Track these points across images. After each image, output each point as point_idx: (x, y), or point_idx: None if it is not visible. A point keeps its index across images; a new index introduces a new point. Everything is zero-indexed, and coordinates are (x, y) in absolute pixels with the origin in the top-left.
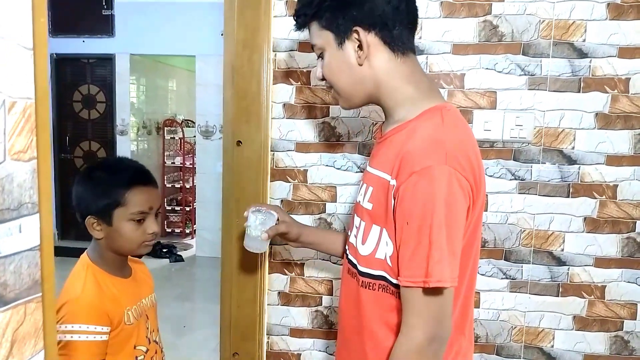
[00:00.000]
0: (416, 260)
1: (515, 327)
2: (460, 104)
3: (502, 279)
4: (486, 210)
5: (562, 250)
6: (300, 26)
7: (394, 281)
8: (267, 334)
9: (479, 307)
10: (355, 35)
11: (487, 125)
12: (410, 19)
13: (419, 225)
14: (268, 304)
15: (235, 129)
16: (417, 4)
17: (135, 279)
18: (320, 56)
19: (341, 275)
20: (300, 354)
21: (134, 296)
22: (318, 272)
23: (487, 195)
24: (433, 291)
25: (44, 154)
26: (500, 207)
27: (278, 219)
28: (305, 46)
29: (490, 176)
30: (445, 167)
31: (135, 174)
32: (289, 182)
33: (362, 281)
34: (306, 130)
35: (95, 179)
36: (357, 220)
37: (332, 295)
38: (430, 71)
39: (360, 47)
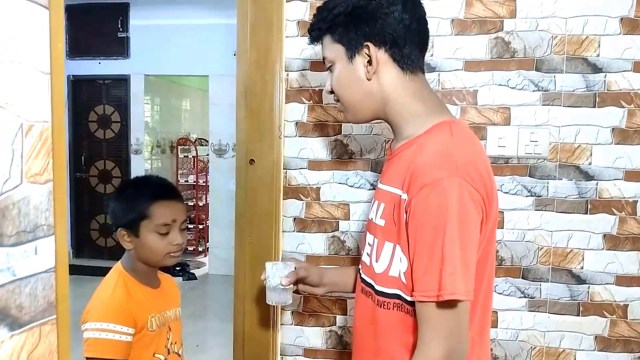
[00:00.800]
0: (429, 274)
1: (535, 348)
2: (474, 120)
3: (520, 297)
4: (502, 228)
5: (582, 268)
6: (314, 39)
7: (409, 299)
8: (280, 354)
9: (496, 327)
10: (365, 50)
11: (501, 141)
12: (420, 39)
13: (431, 238)
14: (281, 324)
15: (248, 148)
16: (429, 24)
17: (162, 291)
18: (330, 69)
19: (355, 295)
20: None
21: (159, 306)
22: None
23: (502, 212)
24: (447, 305)
25: (60, 176)
26: (517, 224)
27: (295, 267)
28: (317, 65)
29: (506, 193)
30: (456, 178)
31: (159, 189)
32: (302, 200)
33: (378, 300)
34: (318, 148)
35: (125, 194)
36: (370, 237)
37: (346, 315)
38: (442, 88)
39: (369, 62)
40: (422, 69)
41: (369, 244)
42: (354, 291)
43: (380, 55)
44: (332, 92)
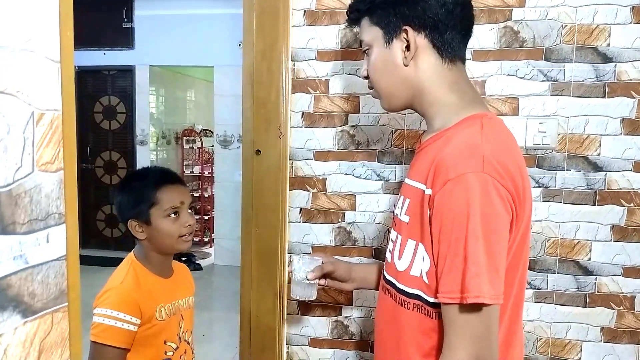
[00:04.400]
0: (452, 275)
1: (540, 339)
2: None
3: (527, 289)
4: None
5: (589, 259)
6: (352, 22)
7: (431, 300)
8: (286, 344)
9: None
10: (404, 34)
11: None
12: (464, 25)
13: (455, 237)
14: (287, 314)
15: (254, 138)
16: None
17: (174, 281)
18: (367, 53)
19: (378, 292)
20: None
21: (169, 295)
22: None
23: None
24: (473, 308)
25: (70, 164)
26: None
27: (322, 262)
28: (324, 55)
29: None
30: (482, 174)
31: (162, 175)
32: (308, 190)
33: (399, 299)
34: (325, 138)
35: (130, 187)
36: (393, 234)
37: (352, 305)
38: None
39: (407, 47)
40: (462, 59)
41: (392, 240)
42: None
43: (420, 41)
44: (366, 77)
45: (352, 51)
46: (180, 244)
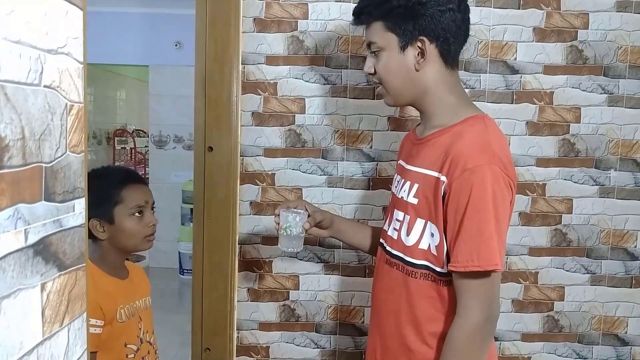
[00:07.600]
0: (469, 248)
1: (594, 317)
2: (549, 118)
3: (584, 274)
4: (571, 213)
5: (635, 246)
6: (361, 22)
7: (438, 269)
8: (237, 329)
9: (563, 300)
10: (419, 43)
11: (572, 138)
12: (465, 38)
13: (473, 217)
14: (238, 301)
15: (207, 136)
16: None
17: (131, 281)
18: (375, 53)
19: (376, 266)
20: (269, 347)
21: (128, 296)
22: (285, 268)
23: (572, 199)
24: (485, 274)
25: (86, 148)
26: (584, 210)
27: (309, 215)
28: (272, 60)
29: (575, 182)
30: (493, 166)
31: (126, 174)
32: (258, 185)
33: (407, 270)
34: (273, 137)
35: (92, 186)
36: (399, 214)
37: (298, 289)
38: (523, 89)
39: (421, 54)
40: (457, 65)
41: (397, 219)
42: (354, 243)
43: (431, 50)
44: (372, 74)
45: (298, 57)
46: (144, 244)
